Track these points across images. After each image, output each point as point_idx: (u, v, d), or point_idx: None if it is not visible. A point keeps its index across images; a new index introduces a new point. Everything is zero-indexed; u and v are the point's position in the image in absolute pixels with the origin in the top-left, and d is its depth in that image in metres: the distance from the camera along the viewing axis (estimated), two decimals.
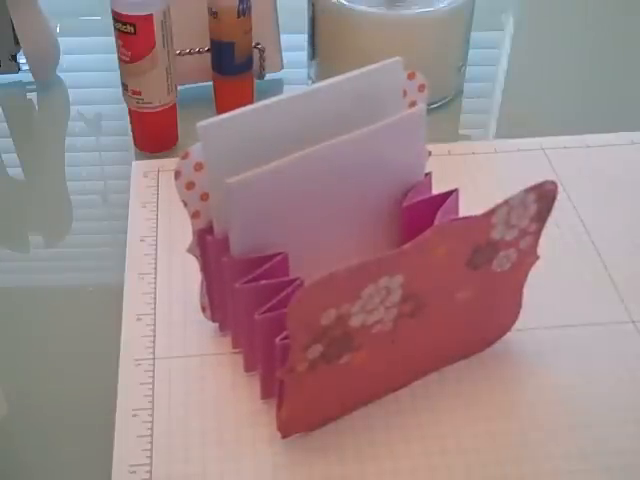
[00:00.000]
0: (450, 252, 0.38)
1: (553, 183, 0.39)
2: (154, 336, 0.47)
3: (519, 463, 0.41)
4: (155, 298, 0.49)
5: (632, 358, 0.46)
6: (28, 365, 0.47)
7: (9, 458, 0.43)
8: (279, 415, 0.40)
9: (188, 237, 0.43)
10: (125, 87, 0.58)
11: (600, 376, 0.45)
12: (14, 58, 0.68)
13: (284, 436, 0.41)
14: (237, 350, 0.45)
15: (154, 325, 0.47)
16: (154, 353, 0.46)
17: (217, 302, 0.45)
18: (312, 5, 0.64)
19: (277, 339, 0.37)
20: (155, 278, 0.50)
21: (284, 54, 0.68)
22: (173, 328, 0.47)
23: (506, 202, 0.38)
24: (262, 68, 0.66)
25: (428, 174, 0.45)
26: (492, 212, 0.38)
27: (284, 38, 0.67)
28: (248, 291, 0.39)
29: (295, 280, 0.40)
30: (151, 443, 0.42)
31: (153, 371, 0.45)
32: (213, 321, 0.46)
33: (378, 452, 0.41)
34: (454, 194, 0.43)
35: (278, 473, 0.40)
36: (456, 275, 0.40)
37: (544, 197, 0.39)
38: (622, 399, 0.44)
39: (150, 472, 0.40)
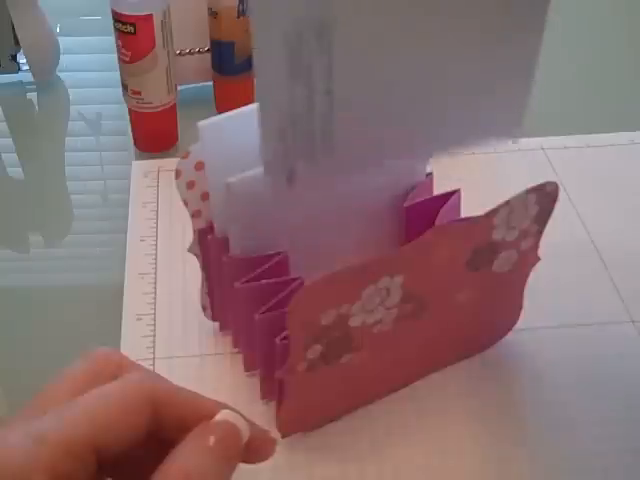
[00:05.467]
0: (451, 253, 0.38)
1: (554, 184, 0.39)
2: (154, 336, 0.47)
3: (519, 463, 0.41)
4: (155, 298, 0.49)
5: (632, 358, 0.46)
6: (28, 365, 0.47)
7: None
8: (279, 415, 0.40)
9: (188, 237, 0.43)
10: (125, 87, 0.58)
11: (600, 376, 0.45)
12: (14, 58, 0.68)
13: (284, 436, 0.41)
14: (237, 350, 0.45)
15: (154, 325, 0.47)
16: (154, 353, 0.46)
17: (217, 301, 0.45)
18: None
19: (277, 339, 0.37)
20: (155, 278, 0.50)
21: None
22: (173, 328, 0.47)
23: (507, 203, 0.38)
24: None
25: (429, 174, 0.45)
26: (493, 213, 0.38)
27: None
28: (248, 291, 0.39)
29: (295, 280, 0.40)
30: None
31: (153, 371, 0.45)
32: (213, 320, 0.46)
33: (378, 452, 0.41)
34: (456, 195, 0.43)
35: (278, 473, 0.40)
36: (456, 276, 0.40)
37: (545, 198, 0.39)
38: (622, 399, 0.44)
39: None
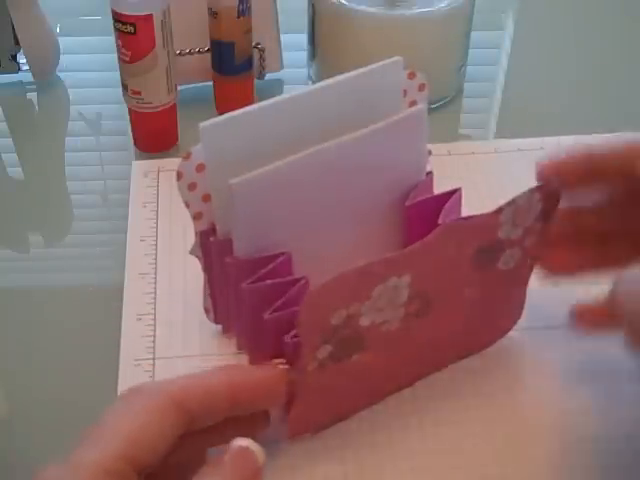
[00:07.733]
0: (457, 251, 0.38)
1: (558, 183, 0.39)
2: (154, 336, 0.47)
3: (519, 463, 0.41)
4: (155, 298, 0.49)
5: (632, 358, 0.46)
6: (28, 365, 0.47)
7: (9, 458, 0.43)
8: (289, 416, 0.40)
9: (188, 237, 0.43)
10: (125, 87, 0.58)
11: (600, 376, 0.45)
12: (14, 58, 0.68)
13: (292, 437, 0.41)
14: (238, 350, 0.45)
15: (154, 325, 0.47)
16: (154, 353, 0.46)
17: (220, 304, 0.45)
18: (312, 5, 0.64)
19: (287, 337, 0.37)
20: (155, 278, 0.50)
21: (284, 54, 0.68)
22: (173, 328, 0.47)
23: (512, 201, 0.38)
24: (262, 68, 0.66)
25: (429, 173, 0.45)
26: (499, 211, 0.38)
27: (284, 38, 0.67)
28: (254, 291, 0.39)
29: (300, 279, 0.39)
30: None
31: (153, 371, 0.45)
32: (216, 323, 0.46)
33: (379, 452, 0.41)
34: (457, 194, 0.43)
35: (279, 473, 0.40)
36: (462, 274, 0.40)
37: (549, 197, 0.39)
38: (622, 399, 0.44)
39: None
